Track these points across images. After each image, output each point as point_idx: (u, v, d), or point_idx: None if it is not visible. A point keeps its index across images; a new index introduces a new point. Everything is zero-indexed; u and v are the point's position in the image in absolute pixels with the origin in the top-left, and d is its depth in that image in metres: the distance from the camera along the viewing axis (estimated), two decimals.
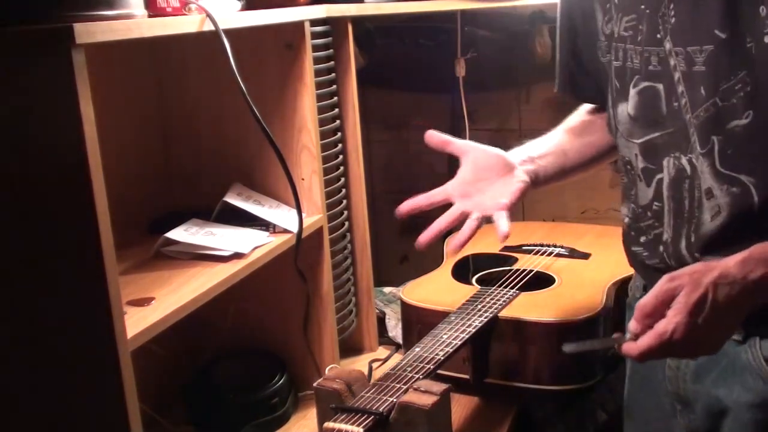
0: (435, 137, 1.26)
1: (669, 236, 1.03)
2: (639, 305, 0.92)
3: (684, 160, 1.00)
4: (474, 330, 1.35)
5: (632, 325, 0.93)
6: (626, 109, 1.06)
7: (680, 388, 1.06)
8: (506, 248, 1.77)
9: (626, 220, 1.12)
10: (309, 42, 1.40)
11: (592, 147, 1.25)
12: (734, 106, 0.94)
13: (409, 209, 1.23)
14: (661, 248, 1.04)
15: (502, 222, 1.16)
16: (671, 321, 0.89)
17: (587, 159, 1.26)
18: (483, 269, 1.68)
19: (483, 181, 1.21)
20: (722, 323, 0.91)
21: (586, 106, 1.27)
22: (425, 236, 1.18)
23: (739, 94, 0.93)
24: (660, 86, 1.00)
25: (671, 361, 1.07)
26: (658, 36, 0.98)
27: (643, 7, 1.00)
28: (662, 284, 0.91)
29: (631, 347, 0.92)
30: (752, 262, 0.90)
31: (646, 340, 0.90)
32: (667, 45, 0.98)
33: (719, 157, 0.96)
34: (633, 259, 1.13)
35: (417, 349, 1.29)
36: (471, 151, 1.23)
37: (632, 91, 1.04)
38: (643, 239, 1.07)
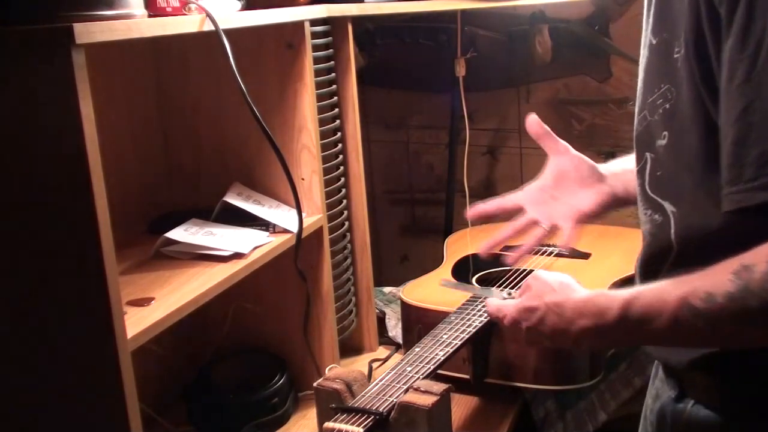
0: (536, 125, 1.19)
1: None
2: (526, 279, 1.06)
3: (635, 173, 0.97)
4: (474, 330, 1.35)
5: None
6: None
7: None
8: (506, 248, 1.77)
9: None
10: (309, 42, 1.40)
11: None
12: (656, 123, 0.88)
13: (477, 215, 1.24)
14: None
15: (567, 232, 1.15)
16: (508, 307, 1.06)
17: None
18: (483, 269, 1.68)
19: (563, 189, 1.18)
20: (542, 336, 1.00)
21: None
22: (476, 212, 1.24)
23: (659, 111, 0.87)
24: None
25: (650, 400, 1.07)
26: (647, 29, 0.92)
27: None
28: (529, 278, 1.05)
29: (487, 303, 1.14)
30: (585, 310, 0.93)
31: (491, 307, 1.13)
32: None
33: (649, 177, 0.91)
34: None
35: (417, 349, 1.29)
36: (563, 154, 1.18)
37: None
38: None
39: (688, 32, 0.80)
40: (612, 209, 1.17)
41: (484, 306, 1.44)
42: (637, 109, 0.93)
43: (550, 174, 1.19)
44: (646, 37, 0.90)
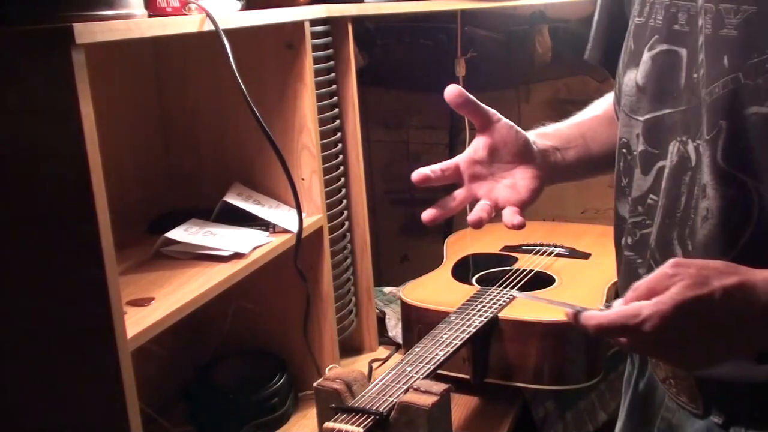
0: (456, 95, 1.04)
1: (654, 239, 0.88)
2: (634, 286, 0.77)
3: (690, 147, 0.83)
4: (474, 330, 1.35)
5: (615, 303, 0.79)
6: (635, 76, 0.90)
7: None
8: (506, 248, 1.77)
9: (616, 214, 0.97)
10: (309, 42, 1.40)
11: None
12: (758, 87, 0.76)
13: (420, 179, 1.04)
14: (648, 253, 0.89)
15: (513, 217, 0.95)
16: (650, 307, 0.73)
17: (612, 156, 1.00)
18: (483, 269, 1.68)
19: (499, 165, 1.01)
20: (711, 339, 0.74)
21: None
22: (430, 214, 1.02)
23: (766, 75, 0.75)
24: (683, 51, 0.83)
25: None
26: None
27: None
28: (663, 268, 0.75)
29: (591, 316, 0.76)
30: None
31: (612, 315, 0.75)
32: (700, 0, 0.81)
33: (723, 147, 0.79)
34: (620, 262, 0.97)
35: (417, 349, 1.29)
36: (497, 125, 1.02)
37: (646, 55, 0.88)
38: (629, 240, 0.93)
39: None
40: (550, 184, 1.03)
41: (484, 306, 1.44)
42: (716, 73, 0.79)
43: (482, 145, 1.02)
44: None
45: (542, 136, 1.06)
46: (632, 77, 0.90)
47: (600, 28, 1.04)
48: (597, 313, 0.76)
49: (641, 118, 0.90)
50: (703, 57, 0.80)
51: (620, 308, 0.75)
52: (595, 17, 1.05)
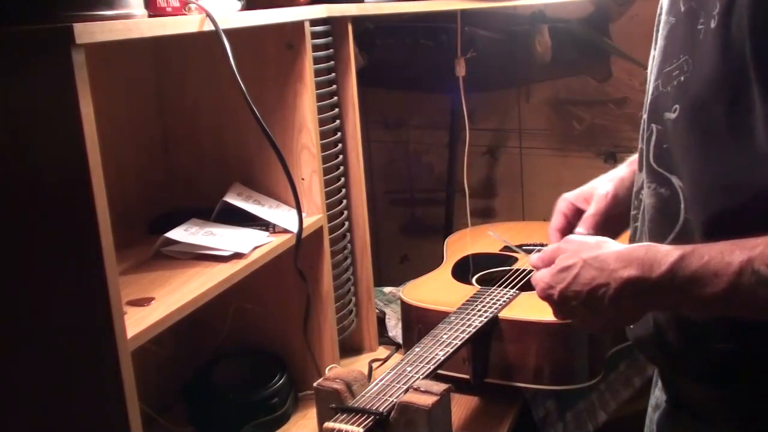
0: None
1: (639, 231, 0.97)
2: (544, 249, 0.97)
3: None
4: (474, 330, 1.35)
5: (532, 259, 0.98)
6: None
7: None
8: (506, 248, 1.77)
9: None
10: (309, 42, 1.40)
11: None
12: (668, 94, 0.84)
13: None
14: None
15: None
16: (538, 276, 0.94)
17: None
18: (483, 269, 1.68)
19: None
20: (586, 303, 0.88)
21: None
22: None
23: (673, 83, 0.83)
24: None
25: (650, 410, 1.05)
26: None
27: None
28: (563, 241, 0.95)
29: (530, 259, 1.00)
30: (632, 259, 0.84)
31: (533, 278, 0.96)
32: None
33: (654, 149, 0.88)
34: None
35: (417, 349, 1.29)
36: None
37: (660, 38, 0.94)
38: (630, 232, 1.01)
39: (723, 4, 0.77)
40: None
41: (484, 306, 1.45)
42: (651, 78, 0.89)
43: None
44: (674, 3, 0.86)
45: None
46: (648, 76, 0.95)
47: None
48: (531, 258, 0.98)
49: (642, 116, 0.95)
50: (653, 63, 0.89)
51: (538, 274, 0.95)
52: None
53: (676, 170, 0.86)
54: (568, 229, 1.10)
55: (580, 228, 1.06)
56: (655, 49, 0.93)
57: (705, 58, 0.79)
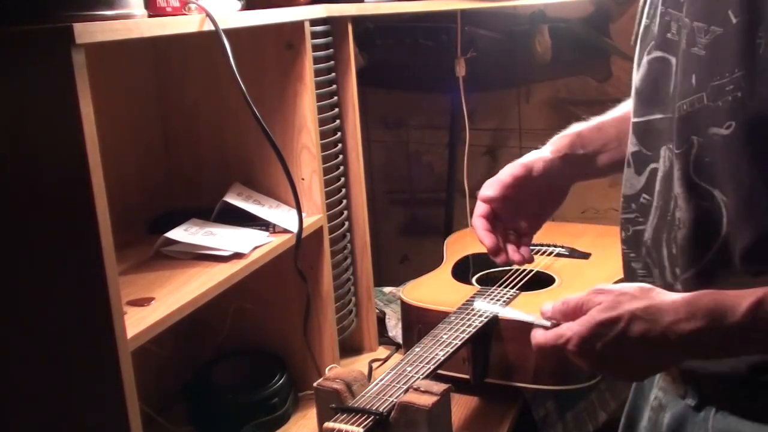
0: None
1: (649, 236, 0.92)
2: (566, 299, 0.87)
3: (673, 155, 0.87)
4: (474, 330, 1.35)
5: (545, 310, 0.89)
6: (635, 79, 0.93)
7: None
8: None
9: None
10: (309, 42, 1.40)
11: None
12: (718, 109, 0.80)
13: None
14: (644, 251, 0.94)
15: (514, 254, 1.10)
16: (572, 329, 0.83)
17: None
18: (483, 269, 1.68)
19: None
20: (627, 357, 0.83)
21: None
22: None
23: (727, 98, 0.79)
24: (673, 60, 0.86)
25: (650, 413, 1.01)
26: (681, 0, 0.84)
27: None
28: (590, 292, 0.86)
29: (534, 335, 0.88)
30: (691, 311, 0.79)
31: (545, 338, 0.86)
32: (684, 13, 0.83)
33: (694, 163, 0.83)
34: (623, 258, 1.00)
35: (417, 349, 1.29)
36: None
37: (645, 59, 0.92)
38: (623, 234, 0.97)
39: None
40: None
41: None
42: (686, 90, 0.83)
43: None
44: (713, 11, 0.81)
45: (577, 144, 1.13)
46: (635, 79, 0.93)
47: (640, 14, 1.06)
48: (539, 333, 0.87)
49: (634, 119, 0.93)
50: (678, 72, 0.84)
51: (551, 332, 0.86)
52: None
53: (719, 185, 0.82)
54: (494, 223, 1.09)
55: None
56: (643, 41, 0.91)
57: (766, 75, 0.76)
